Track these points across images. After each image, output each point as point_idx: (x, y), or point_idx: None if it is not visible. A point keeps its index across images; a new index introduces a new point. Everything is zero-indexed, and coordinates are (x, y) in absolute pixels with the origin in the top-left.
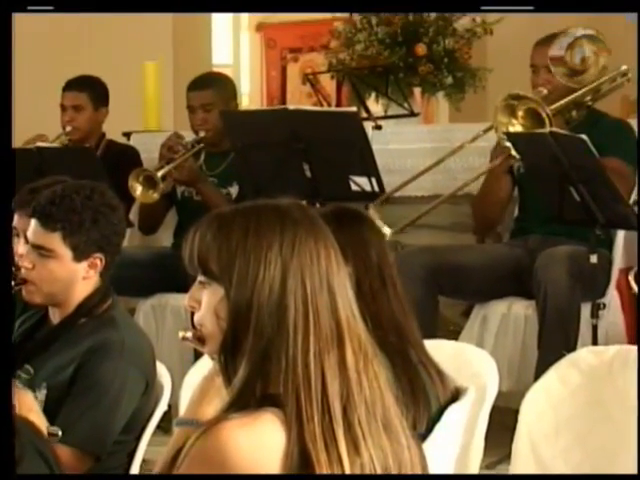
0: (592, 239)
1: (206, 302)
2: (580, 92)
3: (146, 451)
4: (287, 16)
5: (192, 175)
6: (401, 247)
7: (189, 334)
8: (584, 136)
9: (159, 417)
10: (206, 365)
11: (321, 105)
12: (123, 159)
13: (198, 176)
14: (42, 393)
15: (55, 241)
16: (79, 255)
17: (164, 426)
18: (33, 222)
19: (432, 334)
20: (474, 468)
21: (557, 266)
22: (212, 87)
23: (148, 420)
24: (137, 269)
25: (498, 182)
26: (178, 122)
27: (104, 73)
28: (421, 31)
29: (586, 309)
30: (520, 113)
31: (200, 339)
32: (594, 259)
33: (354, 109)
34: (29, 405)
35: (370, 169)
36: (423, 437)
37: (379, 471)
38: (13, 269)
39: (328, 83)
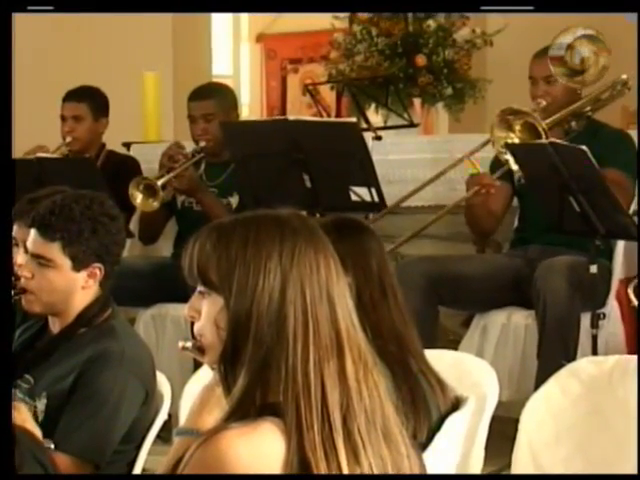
0: (592, 249)
1: (206, 312)
2: (579, 103)
3: (146, 460)
4: (287, 27)
5: (192, 184)
6: (401, 257)
7: (189, 344)
8: (584, 147)
9: (159, 427)
10: (206, 375)
11: (321, 116)
12: (123, 169)
13: (198, 185)
14: (42, 402)
15: (54, 251)
16: (78, 265)
17: (164, 436)
18: (32, 232)
19: (432, 344)
20: None
21: (557, 276)
22: (213, 97)
23: (148, 429)
24: (137, 279)
25: (480, 206)
26: (178, 132)
27: (104, 83)
28: (421, 42)
29: (586, 319)
30: (517, 127)
31: (200, 349)
32: (594, 269)
33: (354, 120)
34: (24, 416)
35: (370, 179)
36: (423, 446)
37: None
38: (13, 279)
39: (328, 94)
